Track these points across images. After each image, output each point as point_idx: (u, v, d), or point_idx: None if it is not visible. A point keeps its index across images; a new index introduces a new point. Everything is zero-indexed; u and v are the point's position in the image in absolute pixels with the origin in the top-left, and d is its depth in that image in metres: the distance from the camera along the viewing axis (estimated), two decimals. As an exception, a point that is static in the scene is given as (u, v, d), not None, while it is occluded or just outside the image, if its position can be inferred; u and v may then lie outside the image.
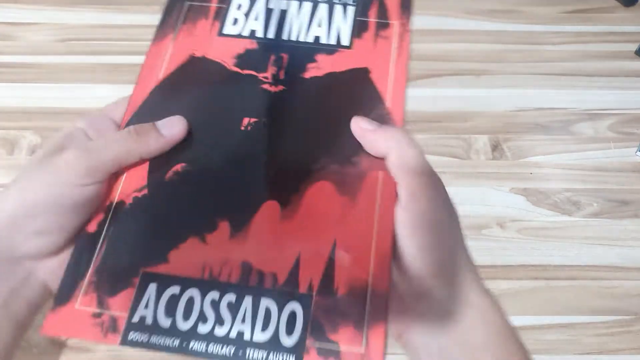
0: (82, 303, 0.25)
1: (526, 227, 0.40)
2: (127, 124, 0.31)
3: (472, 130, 0.44)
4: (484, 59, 0.49)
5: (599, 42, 0.51)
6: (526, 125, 0.45)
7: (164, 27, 0.34)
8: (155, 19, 0.50)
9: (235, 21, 0.34)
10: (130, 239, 0.28)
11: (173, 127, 0.30)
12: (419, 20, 0.52)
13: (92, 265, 0.27)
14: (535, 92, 0.47)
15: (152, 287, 0.26)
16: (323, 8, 0.36)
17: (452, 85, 0.47)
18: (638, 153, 0.44)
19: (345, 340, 0.26)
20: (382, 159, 0.34)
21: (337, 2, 0.37)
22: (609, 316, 0.36)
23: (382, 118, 0.33)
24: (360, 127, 0.29)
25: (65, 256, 0.29)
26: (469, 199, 0.40)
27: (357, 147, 0.33)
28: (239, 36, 0.33)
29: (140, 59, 0.51)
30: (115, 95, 0.42)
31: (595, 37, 0.52)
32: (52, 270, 0.29)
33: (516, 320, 0.37)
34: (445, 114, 0.45)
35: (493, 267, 0.38)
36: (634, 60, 0.50)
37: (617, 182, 0.42)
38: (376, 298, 0.28)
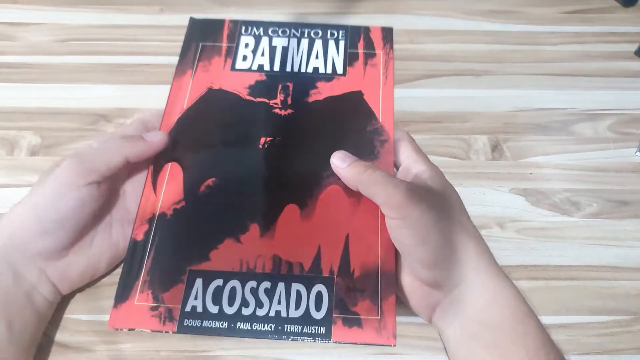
0: (140, 299, 0.30)
1: (526, 227, 0.40)
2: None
3: (471, 131, 0.44)
4: (483, 59, 0.49)
5: (599, 42, 0.51)
6: (526, 125, 0.45)
7: (183, 64, 0.40)
8: (155, 19, 0.51)
9: (245, 58, 0.41)
10: (174, 243, 0.32)
11: (155, 136, 0.35)
12: (419, 21, 0.52)
13: (144, 268, 0.31)
14: (535, 92, 0.47)
15: (198, 282, 0.31)
16: (318, 43, 0.42)
17: (451, 85, 0.47)
18: (638, 153, 0.44)
19: (364, 311, 0.31)
20: (381, 162, 0.39)
21: (330, 37, 0.42)
22: (608, 316, 0.37)
23: (376, 131, 0.37)
24: (333, 163, 0.34)
25: (71, 259, 0.32)
26: (469, 199, 0.40)
27: (359, 155, 0.38)
28: (249, 70, 0.40)
29: (140, 59, 0.52)
30: (115, 95, 0.43)
31: (595, 38, 0.52)
32: (60, 272, 0.32)
33: (516, 320, 0.37)
34: (445, 114, 0.45)
35: (493, 267, 0.38)
36: (634, 60, 0.50)
37: (617, 183, 0.42)
38: (385, 276, 0.32)
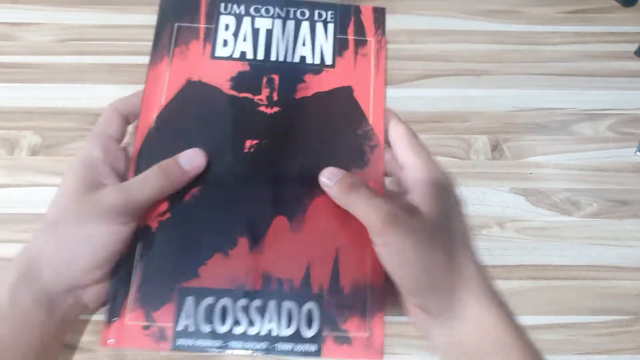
0: (131, 318, 0.30)
1: (526, 227, 0.40)
2: (140, 151, 0.33)
3: (471, 131, 0.44)
4: (483, 59, 0.49)
5: (599, 42, 0.51)
6: (526, 125, 0.45)
7: (159, 50, 0.37)
8: (155, 19, 0.50)
9: (225, 43, 0.37)
10: (162, 259, 0.31)
11: (194, 160, 0.33)
12: (419, 21, 0.52)
13: (133, 284, 0.31)
14: (535, 92, 0.47)
15: (189, 300, 0.31)
16: (305, 26, 0.39)
17: (451, 85, 0.47)
18: (638, 153, 0.44)
19: (354, 328, 0.30)
20: (371, 170, 0.37)
21: (318, 19, 0.39)
22: (609, 316, 0.37)
23: (366, 134, 0.36)
24: (322, 181, 0.32)
25: (106, 283, 0.32)
26: (469, 199, 0.40)
27: (349, 163, 0.36)
28: (231, 58, 0.37)
29: (140, 59, 0.51)
30: (115, 95, 0.43)
31: (595, 38, 0.52)
32: (95, 294, 0.31)
33: (516, 320, 0.37)
34: (445, 114, 0.45)
35: (493, 267, 0.38)
36: (634, 60, 0.50)
37: (617, 182, 0.42)
38: (375, 293, 0.31)
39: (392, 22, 0.52)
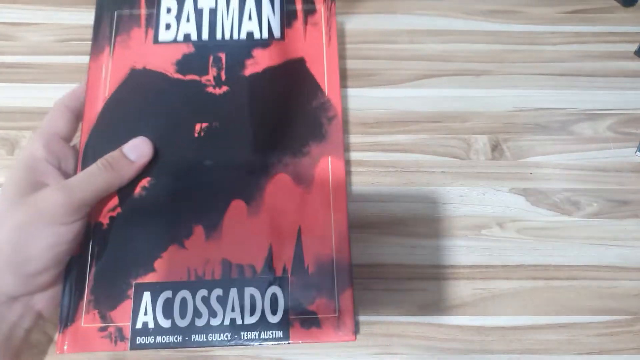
0: (87, 321, 0.29)
1: (526, 227, 0.40)
2: (86, 146, 0.32)
3: (471, 131, 0.44)
4: (483, 59, 0.49)
5: (599, 42, 0.51)
6: (526, 125, 0.45)
7: (99, 40, 0.35)
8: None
9: (168, 26, 0.36)
10: (115, 255, 0.30)
11: (140, 150, 0.31)
12: (419, 21, 0.52)
13: (86, 286, 0.29)
14: (535, 92, 0.47)
15: (146, 296, 0.29)
16: (250, 1, 0.36)
17: (451, 85, 0.47)
18: (638, 153, 0.44)
19: (322, 310, 0.29)
20: (330, 142, 0.36)
21: None
22: (609, 316, 0.37)
23: (323, 106, 0.34)
24: None
25: (60, 286, 0.30)
26: (469, 199, 0.40)
27: (306, 137, 0.34)
28: (175, 41, 0.35)
29: (140, 59, 0.50)
30: None
31: (595, 38, 0.52)
32: (48, 299, 0.29)
33: (516, 320, 0.38)
34: (445, 114, 0.45)
35: (492, 267, 0.38)
36: (634, 60, 0.50)
37: (617, 182, 0.42)
38: (341, 270, 0.30)
39: (392, 22, 0.52)
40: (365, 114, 0.45)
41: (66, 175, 0.30)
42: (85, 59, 0.47)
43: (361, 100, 0.45)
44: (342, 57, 0.48)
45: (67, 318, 0.29)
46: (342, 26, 0.51)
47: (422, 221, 0.39)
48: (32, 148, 0.29)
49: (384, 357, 0.34)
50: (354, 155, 0.43)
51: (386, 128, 0.44)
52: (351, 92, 0.46)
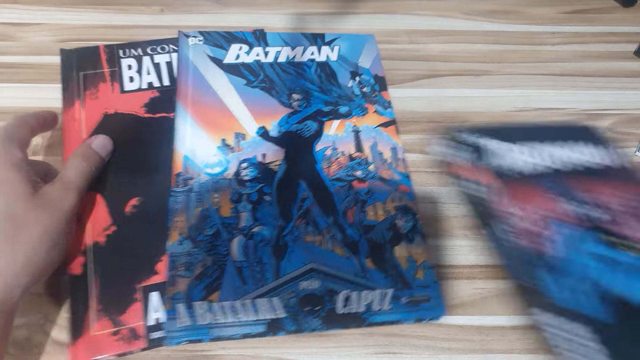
0: (97, 328, 0.31)
1: (526, 227, 0.40)
2: None
3: (471, 131, 0.44)
4: (483, 59, 0.49)
5: (599, 42, 0.51)
6: (526, 125, 0.45)
7: (69, 96, 0.41)
8: (155, 19, 0.50)
9: (132, 79, 0.42)
10: (118, 267, 0.34)
11: (106, 146, 0.37)
12: (419, 21, 0.52)
13: (93, 297, 0.32)
14: (535, 92, 0.47)
15: (154, 295, 0.33)
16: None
17: (451, 85, 0.47)
18: (638, 153, 0.44)
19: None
20: None
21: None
22: (608, 316, 0.36)
23: None
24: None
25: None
26: (469, 199, 0.40)
27: None
28: (140, 90, 0.41)
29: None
30: None
31: (595, 38, 0.52)
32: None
33: (516, 320, 0.38)
34: (445, 114, 0.45)
35: (493, 267, 0.38)
36: (634, 60, 0.50)
37: (617, 182, 0.42)
38: None
39: (392, 22, 0.52)
40: (365, 114, 0.45)
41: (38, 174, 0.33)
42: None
43: (361, 100, 0.45)
44: (342, 57, 0.48)
45: (76, 330, 0.31)
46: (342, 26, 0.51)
47: (422, 221, 0.39)
48: (10, 153, 0.31)
49: (384, 357, 0.34)
50: (354, 155, 0.43)
51: (386, 128, 0.44)
52: (351, 92, 0.46)
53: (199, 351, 0.33)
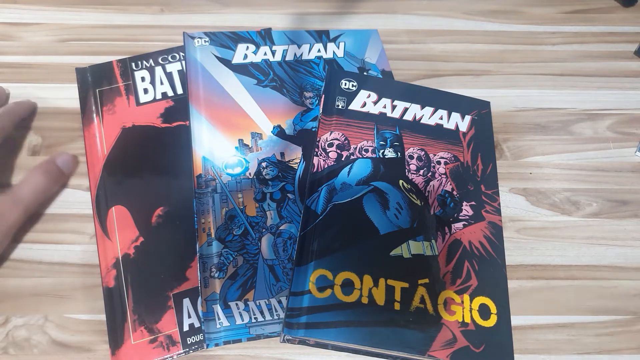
0: (136, 338, 0.33)
1: (526, 227, 0.40)
2: (97, 197, 0.38)
3: (471, 131, 0.44)
4: (483, 59, 0.49)
5: (599, 42, 0.51)
6: (526, 125, 0.45)
7: (87, 114, 0.42)
8: (155, 19, 0.50)
9: (146, 91, 0.43)
10: (149, 277, 0.34)
11: (70, 165, 0.38)
12: (419, 21, 0.52)
13: (128, 309, 0.33)
14: (535, 92, 0.47)
15: (186, 301, 0.34)
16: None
17: (451, 85, 0.47)
18: (638, 153, 0.44)
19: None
20: None
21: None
22: (608, 316, 0.37)
23: None
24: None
25: None
26: (469, 199, 0.40)
27: None
28: (154, 100, 0.42)
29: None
30: None
31: (595, 38, 0.52)
32: None
33: (516, 320, 0.38)
34: (445, 114, 0.45)
35: (493, 267, 0.38)
36: (634, 60, 0.50)
37: (617, 182, 0.42)
38: None
39: (392, 22, 0.52)
40: (365, 114, 0.45)
41: None
42: (86, 58, 0.47)
43: (361, 100, 0.45)
44: (342, 57, 0.48)
45: (116, 341, 0.32)
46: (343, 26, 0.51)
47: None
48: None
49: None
50: (354, 155, 0.43)
51: (386, 128, 0.44)
52: (351, 92, 0.46)
53: (198, 350, 0.33)
